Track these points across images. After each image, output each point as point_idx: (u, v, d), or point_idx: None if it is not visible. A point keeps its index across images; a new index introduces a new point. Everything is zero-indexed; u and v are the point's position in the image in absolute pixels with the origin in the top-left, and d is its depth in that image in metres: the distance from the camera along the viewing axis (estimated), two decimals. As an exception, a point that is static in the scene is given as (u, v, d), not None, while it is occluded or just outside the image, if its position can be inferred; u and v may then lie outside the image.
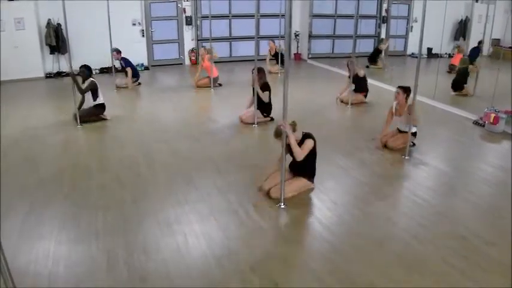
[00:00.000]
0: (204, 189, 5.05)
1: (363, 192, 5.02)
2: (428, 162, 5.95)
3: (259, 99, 7.51)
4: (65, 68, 11.91)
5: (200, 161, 5.89)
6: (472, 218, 4.45)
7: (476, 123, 7.60)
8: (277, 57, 12.25)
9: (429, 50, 14.54)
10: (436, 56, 13.89)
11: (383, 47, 13.35)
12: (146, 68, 13.06)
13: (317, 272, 3.54)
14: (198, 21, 13.56)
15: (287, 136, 4.52)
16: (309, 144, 4.75)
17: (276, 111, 7.63)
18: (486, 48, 12.25)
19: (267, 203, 4.69)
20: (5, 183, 5.17)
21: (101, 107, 7.71)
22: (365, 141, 6.65)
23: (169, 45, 13.59)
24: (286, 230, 4.31)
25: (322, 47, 14.94)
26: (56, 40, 11.67)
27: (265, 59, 12.48)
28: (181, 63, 13.84)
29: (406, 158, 5.99)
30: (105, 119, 7.77)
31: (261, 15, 13.22)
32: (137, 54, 12.30)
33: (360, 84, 8.97)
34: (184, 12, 13.39)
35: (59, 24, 11.54)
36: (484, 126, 7.37)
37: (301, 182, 4.90)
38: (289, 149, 4.81)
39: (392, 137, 6.36)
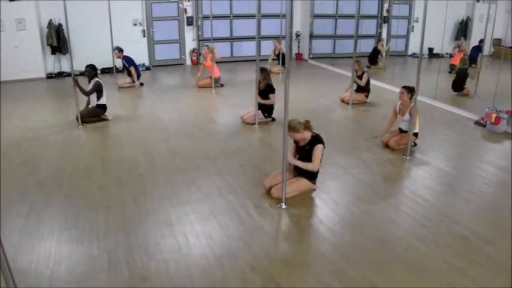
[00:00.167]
0: (205, 189, 5.05)
1: (364, 192, 5.01)
2: (430, 162, 5.94)
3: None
4: (66, 68, 11.91)
5: (201, 161, 5.89)
6: (473, 218, 4.45)
7: (477, 123, 7.60)
8: (279, 57, 12.24)
9: (430, 50, 14.53)
10: (437, 56, 13.89)
11: (380, 47, 13.34)
12: (147, 68, 13.07)
13: (318, 272, 3.54)
14: (199, 22, 13.56)
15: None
16: (319, 151, 4.76)
17: (277, 111, 7.64)
18: (487, 48, 12.23)
19: (268, 202, 4.69)
20: (5, 183, 5.18)
21: (103, 107, 7.72)
22: (366, 141, 6.65)
23: (170, 45, 13.59)
24: (287, 229, 4.31)
25: (323, 47, 14.94)
26: (57, 40, 11.68)
27: (266, 59, 12.46)
28: (183, 64, 13.84)
29: (408, 158, 5.99)
30: (106, 119, 7.77)
31: (262, 16, 13.15)
32: (138, 55, 12.28)
33: (360, 85, 8.98)
34: (186, 12, 13.38)
35: (60, 25, 11.55)
36: (485, 126, 7.36)
37: (303, 182, 4.90)
38: (298, 151, 4.91)
39: (393, 137, 6.35)
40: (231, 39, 14.09)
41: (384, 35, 15.27)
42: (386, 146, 6.35)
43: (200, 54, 13.81)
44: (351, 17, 13.12)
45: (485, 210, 4.64)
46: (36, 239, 4.03)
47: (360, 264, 3.65)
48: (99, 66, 11.94)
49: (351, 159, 5.94)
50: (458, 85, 9.78)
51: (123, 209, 4.57)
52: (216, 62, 10.44)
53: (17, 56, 11.15)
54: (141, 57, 12.76)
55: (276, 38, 12.48)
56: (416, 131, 6.23)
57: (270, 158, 6.04)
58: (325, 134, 4.93)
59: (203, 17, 13.46)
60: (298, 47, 14.97)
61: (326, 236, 4.17)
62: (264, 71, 7.53)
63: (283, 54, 11.99)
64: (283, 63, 11.84)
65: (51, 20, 11.50)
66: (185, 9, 13.36)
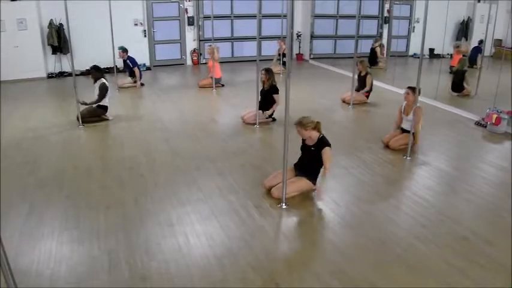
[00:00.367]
0: (206, 189, 5.05)
1: (365, 192, 5.01)
2: (430, 162, 5.94)
3: (263, 100, 7.53)
4: (67, 68, 11.91)
5: (202, 161, 5.89)
6: (473, 218, 4.45)
7: (478, 123, 7.59)
8: (282, 57, 12.24)
9: (431, 50, 14.51)
10: (438, 56, 13.86)
11: (378, 49, 13.32)
12: (148, 68, 13.07)
13: (318, 272, 3.54)
14: (200, 22, 13.56)
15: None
16: (329, 153, 4.79)
17: (277, 111, 7.64)
18: (488, 49, 12.22)
19: (269, 203, 4.69)
20: (6, 184, 5.18)
21: (104, 108, 7.72)
22: (367, 141, 6.65)
23: (171, 45, 13.59)
24: (288, 230, 4.31)
25: (324, 47, 14.93)
26: (58, 40, 11.68)
27: (267, 59, 12.46)
28: (183, 64, 13.84)
29: (408, 158, 5.99)
30: (106, 119, 7.77)
31: (262, 16, 13.17)
32: (139, 55, 12.27)
33: (362, 84, 8.99)
34: (186, 12, 13.38)
35: (61, 25, 11.55)
36: (486, 126, 7.35)
37: (304, 182, 4.90)
38: (302, 149, 4.97)
39: (394, 137, 6.36)
40: (232, 39, 14.08)
41: (385, 36, 15.26)
42: (387, 146, 6.36)
43: (201, 54, 13.85)
44: (352, 17, 13.11)
45: (485, 210, 4.64)
46: (36, 239, 4.04)
47: (360, 264, 3.65)
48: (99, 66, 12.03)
49: (352, 159, 5.94)
50: (457, 86, 9.77)
51: (124, 209, 4.57)
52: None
53: (18, 55, 11.16)
54: (141, 57, 12.76)
55: (280, 37, 12.48)
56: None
57: (271, 158, 6.04)
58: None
59: (204, 17, 13.46)
60: (299, 47, 14.97)
61: (326, 236, 4.18)
62: (268, 72, 7.55)
63: (284, 54, 11.99)
64: (284, 63, 11.85)
65: (52, 20, 11.51)
66: (186, 9, 13.35)
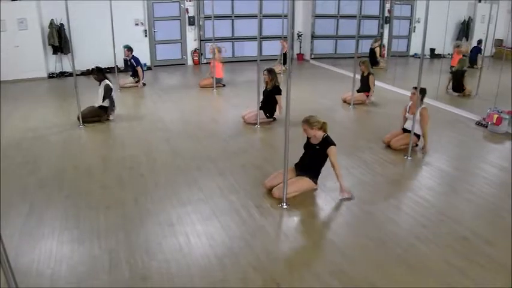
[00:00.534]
0: (206, 189, 5.05)
1: (365, 192, 5.01)
2: (431, 162, 5.94)
3: (265, 100, 7.53)
4: (67, 68, 11.92)
5: (202, 161, 5.89)
6: (474, 219, 4.45)
7: (479, 123, 7.59)
8: (284, 57, 12.24)
9: (432, 50, 14.50)
10: (439, 56, 13.85)
11: (377, 49, 13.31)
12: (149, 68, 13.07)
13: (318, 272, 3.54)
14: (200, 22, 13.56)
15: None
16: (334, 152, 4.82)
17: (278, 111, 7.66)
18: (489, 49, 12.21)
19: (269, 202, 4.69)
20: (6, 183, 5.19)
21: (105, 109, 7.72)
22: (368, 141, 6.65)
23: (172, 45, 13.60)
24: (288, 230, 4.31)
25: (324, 47, 14.93)
26: (58, 40, 11.70)
27: (268, 59, 12.45)
28: (184, 64, 13.85)
29: (409, 158, 5.99)
30: (107, 119, 7.78)
31: (263, 16, 13.19)
32: (140, 55, 12.27)
33: (364, 84, 8.99)
34: (187, 12, 13.39)
35: (61, 25, 11.57)
36: (487, 126, 7.35)
37: (304, 182, 4.90)
38: (306, 147, 5.01)
39: (395, 137, 6.35)
40: (233, 39, 14.08)
41: (386, 35, 15.26)
42: (388, 146, 6.36)
43: (202, 54, 13.85)
44: (353, 17, 13.10)
45: (485, 210, 4.64)
46: (37, 238, 4.04)
47: (360, 264, 3.65)
48: (100, 66, 12.05)
49: (353, 159, 5.94)
50: (458, 86, 9.77)
51: (124, 209, 4.58)
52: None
53: (19, 55, 11.17)
54: (142, 57, 12.72)
55: (282, 38, 12.49)
56: (419, 133, 6.23)
57: (272, 158, 6.04)
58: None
59: (205, 17, 13.46)
60: (300, 47, 14.97)
61: (327, 236, 4.18)
62: (271, 72, 7.55)
63: (284, 54, 11.99)
64: (285, 63, 11.85)
65: (52, 19, 11.52)
66: (187, 9, 13.36)
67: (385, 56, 15.07)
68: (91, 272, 3.54)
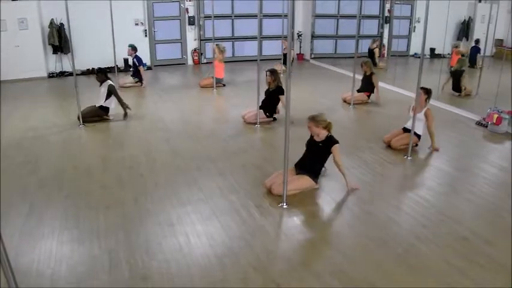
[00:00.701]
0: (206, 189, 5.05)
1: (365, 192, 5.01)
2: (431, 162, 5.94)
3: (267, 100, 7.54)
4: (67, 67, 11.92)
5: (202, 161, 5.89)
6: (474, 218, 4.44)
7: (479, 123, 7.59)
8: (285, 57, 12.23)
9: (432, 50, 14.50)
10: (439, 56, 13.85)
11: (376, 49, 13.32)
12: (149, 68, 13.07)
13: (319, 272, 3.54)
14: (200, 21, 13.56)
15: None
16: (338, 150, 4.90)
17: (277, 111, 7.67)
18: (489, 49, 12.22)
19: (269, 202, 4.69)
20: (6, 183, 5.18)
21: (106, 109, 7.72)
22: (368, 141, 6.65)
23: (172, 45, 13.60)
24: (288, 229, 4.31)
25: (324, 47, 14.93)
26: (58, 40, 11.70)
27: (268, 59, 12.44)
28: (184, 63, 13.85)
29: (409, 158, 5.99)
30: (107, 119, 7.78)
31: (263, 16, 13.19)
32: (140, 54, 12.28)
33: (366, 84, 9.00)
34: (187, 12, 13.39)
35: (61, 24, 11.57)
36: (487, 126, 7.35)
37: (305, 180, 4.91)
38: (308, 144, 5.05)
39: (396, 137, 6.35)
40: (233, 39, 14.08)
41: (386, 35, 15.26)
42: (388, 145, 6.36)
43: (202, 54, 13.85)
44: (353, 17, 13.10)
45: (485, 210, 4.63)
46: (37, 238, 4.04)
47: (360, 264, 3.65)
48: (100, 66, 12.04)
49: (353, 159, 5.94)
50: (457, 86, 9.76)
51: (124, 209, 4.57)
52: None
53: (19, 55, 11.18)
54: (143, 56, 12.69)
55: (282, 37, 12.48)
56: (419, 133, 6.24)
57: (272, 157, 6.04)
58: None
59: (205, 17, 13.46)
60: (300, 47, 14.97)
61: (327, 236, 4.18)
62: (273, 73, 7.57)
63: (285, 54, 11.99)
64: (285, 63, 11.85)
65: (52, 19, 11.53)
66: (187, 9, 13.36)
67: (385, 55, 15.08)
68: (91, 272, 3.54)
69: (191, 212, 4.50)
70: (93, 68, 12.21)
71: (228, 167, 5.69)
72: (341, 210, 4.67)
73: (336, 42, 15.06)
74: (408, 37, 15.11)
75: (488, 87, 9.01)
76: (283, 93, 7.46)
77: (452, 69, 10.21)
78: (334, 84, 10.87)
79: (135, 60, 10.61)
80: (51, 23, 11.56)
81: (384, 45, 15.26)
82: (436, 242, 3.95)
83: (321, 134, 4.92)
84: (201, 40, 13.75)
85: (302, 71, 13.14)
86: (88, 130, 7.31)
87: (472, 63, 12.41)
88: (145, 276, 3.48)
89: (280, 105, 7.60)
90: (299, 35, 14.81)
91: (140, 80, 10.70)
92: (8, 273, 2.61)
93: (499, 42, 13.74)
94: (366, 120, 8.13)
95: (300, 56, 14.96)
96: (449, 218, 4.39)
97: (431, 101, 8.82)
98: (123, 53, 11.64)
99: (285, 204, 4.60)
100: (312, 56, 14.81)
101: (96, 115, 7.68)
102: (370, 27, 14.85)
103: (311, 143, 5.06)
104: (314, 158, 4.98)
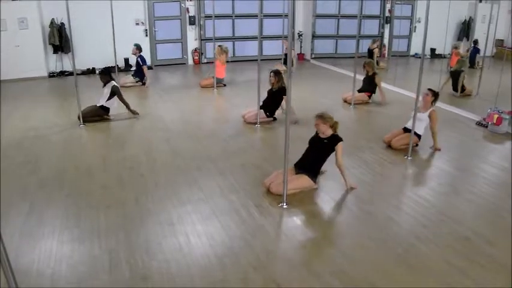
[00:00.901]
0: (206, 189, 5.05)
1: (365, 192, 5.01)
2: (431, 162, 5.94)
3: (269, 100, 7.55)
4: (68, 67, 11.92)
5: (202, 161, 5.89)
6: (474, 219, 4.44)
7: (479, 124, 7.58)
8: (286, 57, 12.24)
9: (432, 50, 14.50)
10: (440, 56, 13.86)
11: (376, 50, 13.31)
12: (149, 68, 13.02)
13: (319, 272, 3.54)
14: (201, 21, 13.56)
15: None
16: (342, 149, 4.95)
17: (278, 111, 7.66)
18: (490, 49, 12.22)
19: (269, 202, 4.69)
20: (6, 183, 5.18)
21: (106, 109, 7.73)
22: (368, 141, 6.65)
23: (172, 45, 13.61)
24: (288, 229, 4.31)
25: (325, 47, 14.93)
26: (59, 39, 11.70)
27: (268, 59, 12.46)
28: (185, 63, 13.85)
29: (409, 158, 5.99)
30: (108, 119, 7.78)
31: (264, 15, 13.20)
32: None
33: (367, 84, 9.00)
34: (188, 12, 13.39)
35: (62, 24, 11.58)
36: (487, 127, 7.35)
37: (304, 180, 4.91)
38: (312, 141, 5.09)
39: (396, 137, 6.35)
40: (233, 38, 14.08)
41: (386, 35, 15.26)
42: (388, 146, 6.36)
43: (202, 54, 13.85)
44: (353, 17, 13.10)
45: (486, 210, 4.63)
46: (37, 238, 4.04)
47: (360, 264, 3.65)
48: (101, 66, 12.04)
49: (353, 159, 5.93)
50: (456, 86, 9.76)
51: (124, 209, 4.58)
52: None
53: (19, 55, 11.17)
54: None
55: (283, 37, 12.49)
56: (420, 133, 6.24)
57: (271, 157, 6.04)
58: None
59: (205, 17, 13.47)
60: (301, 47, 14.97)
61: (327, 235, 4.18)
62: (277, 74, 7.59)
63: (286, 54, 11.99)
64: (286, 63, 11.85)
65: (53, 19, 11.53)
66: (187, 9, 13.37)
67: (386, 55, 15.09)
68: (91, 272, 3.54)
69: (191, 212, 4.50)
70: (93, 68, 12.24)
71: (228, 166, 5.69)
72: (341, 210, 4.67)
73: (337, 42, 15.06)
74: (409, 37, 15.11)
75: (488, 87, 9.01)
76: (285, 94, 7.46)
77: (451, 69, 10.21)
78: (334, 84, 10.87)
79: (139, 59, 10.63)
80: (52, 22, 11.56)
81: (384, 45, 15.27)
82: (436, 242, 3.95)
83: (327, 132, 4.97)
84: (201, 40, 13.75)
85: (302, 71, 13.14)
86: (88, 130, 7.31)
87: (472, 63, 12.42)
88: (145, 276, 3.48)
89: (284, 105, 7.60)
90: (299, 35, 14.81)
91: (141, 79, 10.72)
92: (8, 273, 2.61)
93: (499, 43, 13.74)
94: (367, 120, 8.13)
95: (301, 56, 14.96)
96: (450, 218, 4.39)
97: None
98: (123, 52, 11.67)
99: (284, 204, 4.60)
100: (313, 56, 14.81)
101: (97, 115, 7.68)
102: (371, 27, 14.85)
103: (315, 139, 5.09)
104: (316, 155, 5.00)
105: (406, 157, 6.01)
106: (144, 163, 5.84)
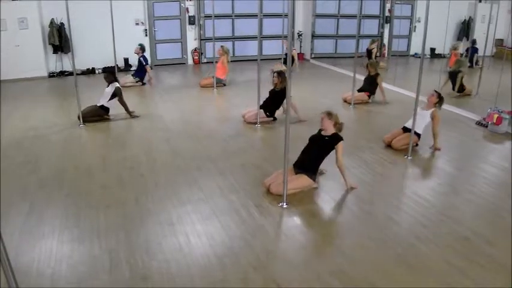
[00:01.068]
0: (207, 189, 5.05)
1: (365, 192, 5.01)
2: (431, 162, 5.95)
3: (271, 100, 7.56)
4: (68, 67, 11.92)
5: (202, 161, 5.89)
6: (474, 219, 4.44)
7: (479, 123, 7.59)
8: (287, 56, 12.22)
9: (432, 50, 14.51)
10: (439, 56, 13.87)
11: (374, 50, 13.32)
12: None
13: (319, 272, 3.54)
14: (201, 21, 13.56)
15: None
16: (342, 147, 4.98)
17: (279, 110, 7.66)
18: (489, 49, 12.23)
19: (269, 202, 4.69)
20: (6, 183, 5.18)
21: (106, 109, 7.73)
22: (368, 141, 6.65)
23: (172, 44, 13.60)
24: (288, 229, 4.31)
25: (325, 46, 14.93)
26: (59, 39, 11.70)
27: (268, 59, 12.46)
28: (184, 63, 13.85)
29: (409, 158, 5.99)
30: (107, 119, 7.78)
31: (264, 15, 13.20)
32: (141, 54, 12.34)
33: (368, 84, 9.00)
34: (187, 11, 13.39)
35: (62, 24, 11.57)
36: (487, 126, 7.35)
37: (303, 180, 4.91)
38: (314, 139, 5.12)
39: (396, 137, 6.35)
40: (233, 38, 14.08)
41: (386, 35, 15.26)
42: (388, 145, 6.36)
43: (202, 53, 13.85)
44: (353, 16, 13.11)
45: (486, 210, 4.64)
46: (37, 238, 4.04)
47: (360, 264, 3.65)
48: (100, 66, 12.13)
49: (353, 159, 5.94)
50: (455, 86, 9.76)
51: (124, 209, 4.58)
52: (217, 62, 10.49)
53: (19, 55, 11.17)
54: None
55: (283, 37, 12.49)
56: (419, 132, 6.24)
57: (271, 157, 6.04)
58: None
59: (205, 16, 13.46)
60: (300, 46, 14.97)
61: (327, 235, 4.18)
62: (281, 75, 7.59)
63: (286, 54, 11.99)
64: (286, 63, 11.85)
65: (53, 19, 11.53)
66: (187, 9, 13.36)
67: (386, 55, 15.09)
68: (91, 272, 3.54)
69: (191, 212, 4.50)
70: (93, 68, 12.24)
71: (228, 166, 5.69)
72: (341, 210, 4.67)
73: (336, 42, 15.06)
74: (408, 37, 15.12)
75: (488, 87, 9.01)
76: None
77: (449, 70, 10.22)
78: (334, 84, 10.87)
79: (142, 59, 10.64)
80: (52, 22, 11.56)
81: (384, 45, 15.27)
82: (436, 242, 3.96)
83: (329, 129, 5.00)
84: (201, 40, 13.75)
85: (302, 70, 13.12)
86: (88, 130, 7.31)
87: (470, 63, 12.44)
88: (145, 276, 3.48)
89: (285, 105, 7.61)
90: (299, 35, 14.81)
91: (141, 79, 10.73)
92: (8, 273, 2.61)
93: (499, 42, 13.75)
94: (366, 120, 8.13)
95: (300, 56, 14.95)
96: (450, 218, 4.39)
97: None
98: (123, 52, 11.67)
99: (284, 203, 4.60)
100: (312, 56, 14.81)
101: (97, 115, 7.68)
102: (371, 27, 14.85)
103: (316, 136, 5.12)
104: (316, 152, 5.00)
105: (406, 157, 6.01)
106: (144, 163, 5.84)
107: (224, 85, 10.56)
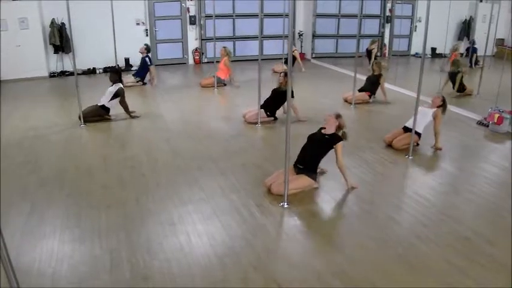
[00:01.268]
0: (207, 188, 5.05)
1: (366, 192, 5.01)
2: (432, 162, 5.94)
3: (272, 99, 7.56)
4: (68, 67, 11.93)
5: (203, 161, 5.90)
6: (474, 218, 4.44)
7: (480, 123, 7.59)
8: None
9: (433, 49, 14.51)
10: (440, 55, 13.87)
11: (374, 50, 13.31)
12: (150, 68, 13.08)
13: (319, 272, 3.54)
14: (201, 21, 13.57)
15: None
16: (341, 148, 4.98)
17: (279, 110, 7.66)
18: (490, 48, 12.23)
19: (270, 202, 4.70)
20: (7, 183, 5.19)
21: (107, 109, 7.73)
22: (368, 141, 6.65)
23: (173, 44, 13.61)
24: (289, 229, 4.31)
25: (325, 46, 14.93)
26: (59, 39, 11.71)
27: (269, 59, 12.45)
28: (185, 63, 13.86)
29: (410, 157, 5.99)
30: (108, 119, 7.78)
31: (264, 15, 13.21)
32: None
33: (370, 84, 9.00)
34: (188, 11, 13.40)
35: (62, 24, 11.58)
36: (488, 126, 7.35)
37: (304, 180, 4.92)
38: (314, 137, 5.14)
39: (397, 137, 6.35)
40: (234, 38, 14.08)
41: (387, 35, 15.26)
42: (389, 145, 6.36)
43: (203, 53, 13.85)
44: (354, 16, 13.10)
45: (486, 210, 4.63)
46: (38, 237, 4.05)
47: (361, 263, 3.65)
48: (101, 65, 12.15)
49: (354, 159, 5.94)
50: (454, 87, 9.76)
51: (125, 209, 4.58)
52: (217, 62, 10.48)
53: (20, 55, 11.18)
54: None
55: (285, 37, 12.49)
56: (420, 131, 6.24)
57: (272, 157, 6.04)
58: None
59: (206, 16, 13.47)
60: (301, 46, 14.97)
61: (327, 235, 4.18)
62: (287, 76, 7.57)
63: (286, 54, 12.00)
64: (286, 63, 11.85)
65: (53, 19, 11.54)
66: (188, 9, 13.37)
67: (386, 55, 15.09)
68: (92, 272, 3.55)
69: (192, 212, 4.50)
70: (94, 68, 12.25)
71: (229, 166, 5.69)
72: (341, 210, 4.67)
73: (337, 41, 15.05)
74: (409, 37, 15.13)
75: (489, 86, 9.01)
76: (292, 96, 7.46)
77: (449, 71, 10.22)
78: (335, 84, 10.86)
79: (146, 59, 10.65)
80: (52, 22, 11.57)
81: (385, 45, 15.27)
82: (436, 242, 3.96)
83: (331, 128, 5.04)
84: (202, 40, 13.76)
85: (303, 70, 13.12)
86: (89, 130, 7.32)
87: (470, 63, 12.44)
88: (146, 276, 3.48)
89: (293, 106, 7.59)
90: (300, 35, 14.81)
91: (142, 79, 10.74)
92: (9, 273, 2.61)
93: (500, 42, 13.74)
94: (367, 119, 8.13)
95: (301, 56, 14.92)
96: (450, 218, 4.39)
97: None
98: (124, 52, 11.68)
99: (285, 203, 4.60)
100: (313, 56, 14.81)
101: (97, 115, 7.69)
102: (371, 26, 14.85)
103: (316, 135, 5.14)
104: (314, 151, 5.01)
105: (407, 156, 6.01)
106: (144, 163, 5.85)
107: (225, 85, 10.56)
